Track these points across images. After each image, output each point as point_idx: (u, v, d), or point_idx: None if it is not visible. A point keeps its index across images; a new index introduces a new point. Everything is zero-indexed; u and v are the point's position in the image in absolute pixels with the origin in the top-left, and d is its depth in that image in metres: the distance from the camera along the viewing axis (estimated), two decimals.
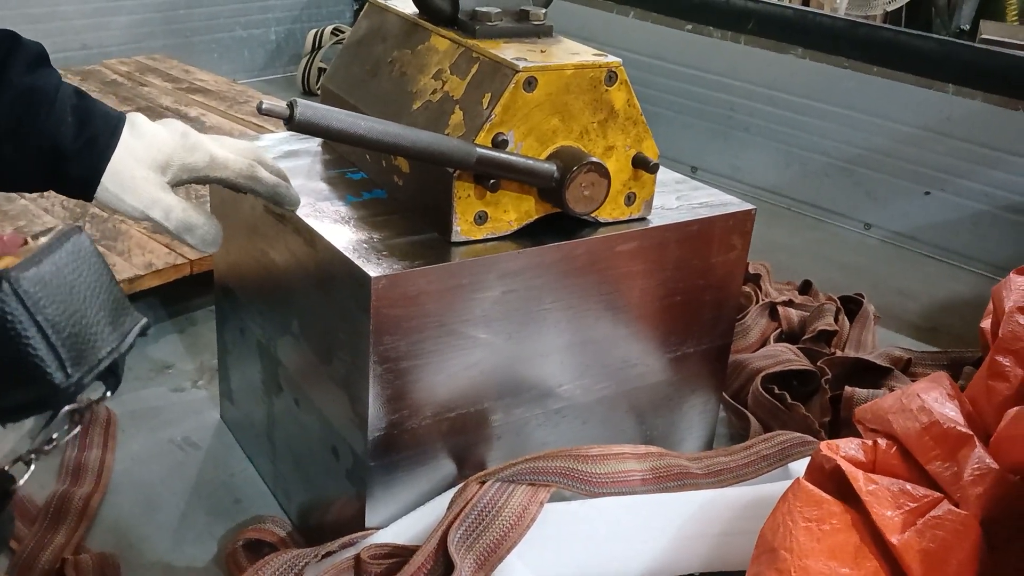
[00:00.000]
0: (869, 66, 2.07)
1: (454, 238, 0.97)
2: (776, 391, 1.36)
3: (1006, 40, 2.88)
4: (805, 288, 1.75)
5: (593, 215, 1.03)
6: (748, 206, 1.14)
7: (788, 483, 0.93)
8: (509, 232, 0.99)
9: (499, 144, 0.95)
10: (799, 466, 1.09)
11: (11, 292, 0.57)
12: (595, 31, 2.48)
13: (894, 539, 0.87)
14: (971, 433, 0.94)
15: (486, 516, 0.97)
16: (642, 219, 1.07)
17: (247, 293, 1.19)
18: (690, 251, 1.10)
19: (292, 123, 0.84)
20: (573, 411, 1.11)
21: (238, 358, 1.25)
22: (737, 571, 0.95)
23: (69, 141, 0.83)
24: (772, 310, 1.62)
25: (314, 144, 1.21)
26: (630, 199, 1.05)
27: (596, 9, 2.49)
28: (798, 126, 2.19)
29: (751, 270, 1.73)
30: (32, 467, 0.67)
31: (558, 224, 1.02)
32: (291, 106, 0.83)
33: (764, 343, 1.56)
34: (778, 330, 1.58)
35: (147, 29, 2.66)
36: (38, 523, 1.10)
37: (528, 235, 1.00)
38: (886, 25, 2.55)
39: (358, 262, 0.92)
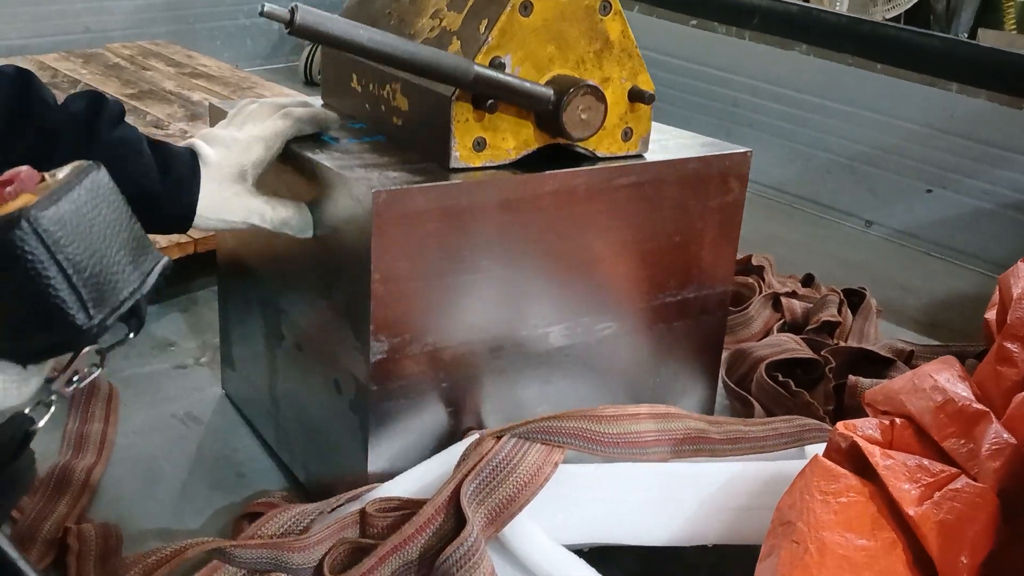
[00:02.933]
0: (873, 63, 2.08)
1: (453, 164, 0.98)
2: (780, 379, 1.36)
3: (1004, 49, 2.89)
4: (808, 281, 1.75)
5: (591, 149, 1.04)
6: (745, 149, 1.16)
7: (806, 461, 0.93)
8: (508, 161, 1.01)
9: (496, 67, 0.96)
10: (814, 450, 1.10)
11: (31, 231, 0.56)
12: None
13: (911, 511, 0.87)
14: (987, 409, 0.94)
15: (500, 471, 0.95)
16: (639, 156, 1.09)
17: (248, 248, 1.20)
18: (688, 190, 1.11)
19: (293, 27, 0.85)
20: (576, 349, 1.11)
21: (240, 318, 1.25)
22: (753, 544, 0.95)
23: (158, 184, 0.92)
24: (775, 301, 1.62)
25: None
26: (627, 134, 1.06)
27: None
28: (801, 122, 2.19)
29: (754, 262, 1.73)
30: (52, 408, 0.66)
31: (557, 160, 1.03)
32: (292, 11, 0.84)
33: (767, 333, 1.56)
34: (781, 320, 1.58)
35: (150, 15, 2.65)
36: (40, 493, 1.09)
37: (527, 167, 1.01)
38: (890, 23, 2.56)
39: (359, 181, 0.93)
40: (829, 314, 1.55)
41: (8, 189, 0.58)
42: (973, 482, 0.89)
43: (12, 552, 0.67)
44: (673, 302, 1.17)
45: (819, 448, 1.08)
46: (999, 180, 1.95)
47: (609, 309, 1.12)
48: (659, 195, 1.09)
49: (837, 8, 4.39)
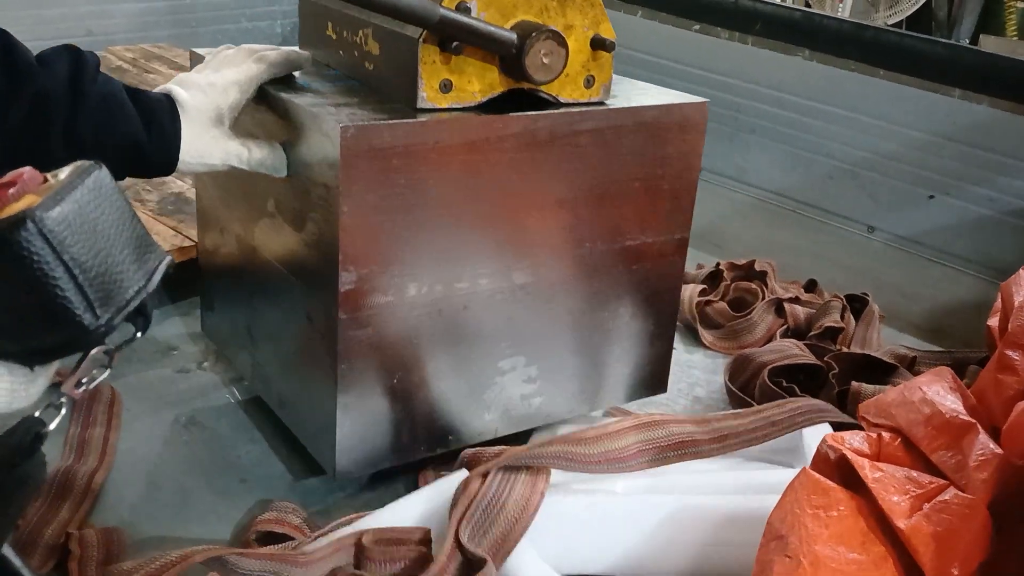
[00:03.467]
0: (875, 69, 2.08)
1: (420, 104, 1.02)
2: (784, 385, 1.36)
3: (1006, 55, 2.89)
4: (811, 287, 1.75)
5: (554, 95, 1.09)
6: (702, 99, 1.21)
7: (774, 498, 0.93)
8: (473, 104, 1.05)
9: (462, 11, 1.00)
10: (810, 436, 1.10)
11: (36, 232, 0.55)
12: None
13: (901, 524, 0.87)
14: (974, 421, 0.94)
15: (492, 510, 0.99)
16: (600, 103, 1.13)
17: (224, 189, 1.25)
18: (647, 138, 1.16)
19: None
20: (538, 289, 1.15)
21: (218, 259, 1.31)
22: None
23: (143, 134, 0.96)
24: (778, 307, 1.62)
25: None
26: (589, 82, 1.11)
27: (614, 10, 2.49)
28: (804, 128, 2.19)
29: (757, 267, 1.73)
30: (63, 411, 0.65)
31: (521, 105, 1.08)
32: None
33: (770, 339, 1.56)
34: (784, 326, 1.58)
35: (152, 18, 2.65)
36: (42, 499, 1.09)
37: (492, 111, 1.06)
38: (893, 29, 2.56)
39: (328, 117, 0.98)
40: (832, 320, 1.55)
41: (11, 191, 0.58)
42: (962, 494, 0.89)
43: (15, 560, 0.66)
44: (632, 246, 1.21)
45: (817, 431, 1.08)
46: (1002, 187, 1.95)
47: (570, 251, 1.16)
48: (619, 141, 1.14)
49: (839, 13, 4.40)
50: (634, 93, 1.20)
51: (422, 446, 1.14)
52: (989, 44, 4.10)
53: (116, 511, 1.11)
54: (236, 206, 1.23)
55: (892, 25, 4.28)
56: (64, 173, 0.60)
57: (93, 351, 0.61)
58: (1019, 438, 0.93)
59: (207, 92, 1.01)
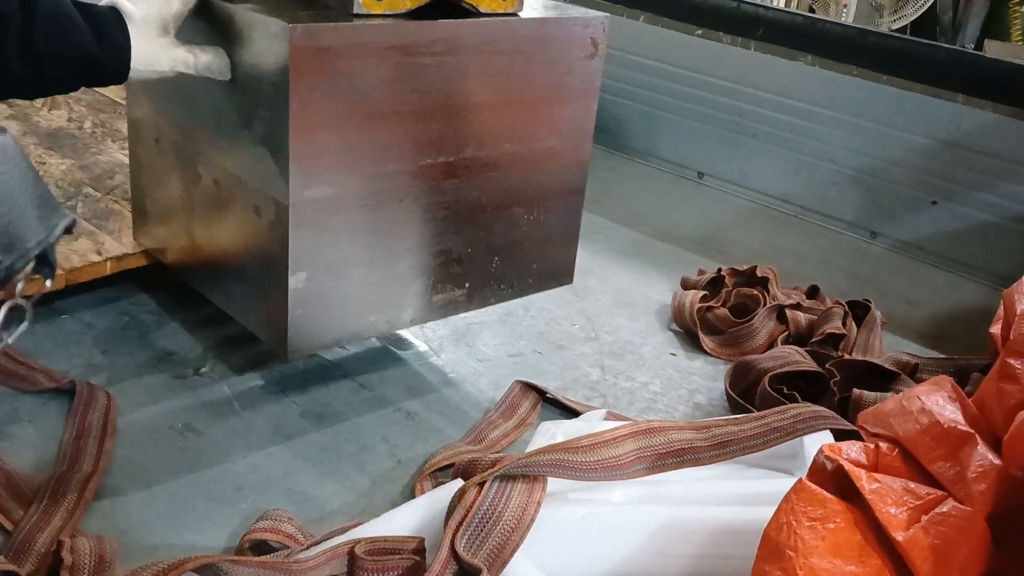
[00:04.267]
0: (879, 75, 2.07)
1: (356, 10, 1.11)
2: (785, 392, 1.35)
3: (1011, 60, 2.88)
4: (812, 293, 1.74)
5: (475, 6, 1.19)
6: (603, 14, 1.33)
7: (770, 509, 0.92)
8: (404, 11, 1.14)
9: None
10: (811, 443, 1.09)
11: None
12: None
13: (899, 536, 0.86)
14: (972, 431, 0.93)
15: (488, 520, 0.98)
16: (514, 14, 1.24)
17: (162, 99, 1.31)
18: (556, 46, 1.28)
19: None
20: (465, 185, 1.27)
21: (153, 169, 1.37)
22: None
23: (96, 47, 1.00)
24: (780, 313, 1.61)
25: None
26: None
27: (604, 12, 2.48)
28: (807, 133, 2.18)
29: (759, 273, 1.72)
30: None
31: (446, 15, 1.18)
32: None
33: (772, 345, 1.55)
34: (786, 332, 1.57)
35: None
36: (34, 504, 1.08)
37: (422, 18, 1.16)
38: (896, 34, 2.55)
39: (275, 21, 1.05)
40: (834, 326, 1.54)
41: None
42: (960, 506, 0.87)
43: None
44: (542, 148, 1.33)
45: (818, 438, 1.07)
46: (1005, 192, 1.94)
47: (489, 150, 1.27)
48: (532, 49, 1.25)
49: (843, 18, 4.39)
50: (541, 5, 1.33)
51: (363, 327, 1.26)
52: (994, 49, 4.08)
53: (110, 518, 1.10)
54: (173, 114, 1.29)
55: (896, 30, 4.27)
56: None
57: (7, 303, 0.70)
58: (1020, 449, 0.92)
59: (150, 3, 1.06)
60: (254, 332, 1.26)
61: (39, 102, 2.02)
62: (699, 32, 2.30)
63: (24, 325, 0.71)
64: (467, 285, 1.33)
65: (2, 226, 0.67)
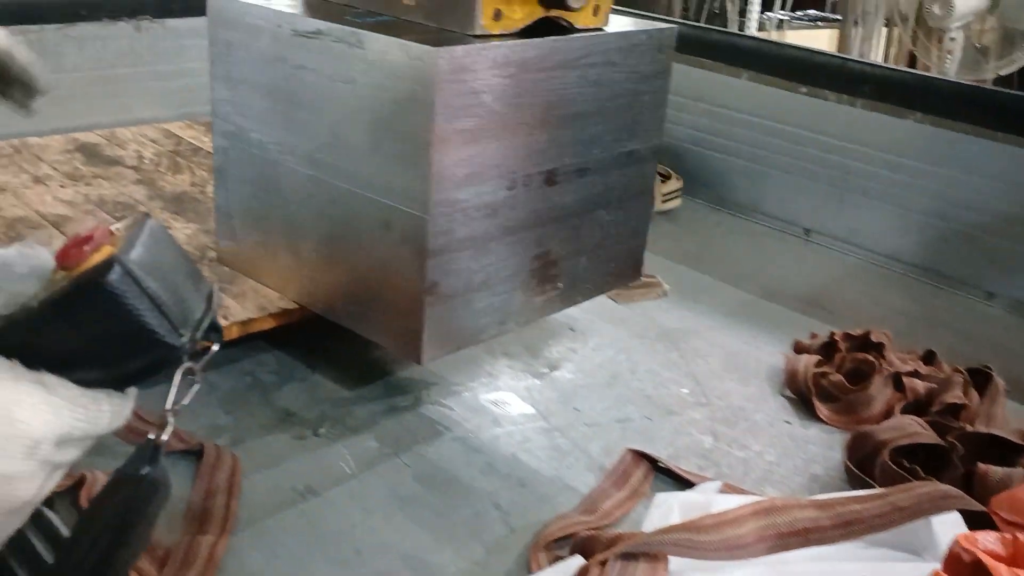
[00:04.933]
0: (992, 132, 2.02)
1: (476, 31, 1.19)
2: (906, 465, 1.32)
3: None
4: (929, 358, 1.70)
5: (571, 22, 1.32)
6: (671, 26, 1.48)
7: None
8: (515, 30, 1.24)
9: None
10: (940, 525, 1.06)
11: (122, 272, 0.68)
12: (705, 91, 2.49)
13: None
14: None
15: None
16: (601, 29, 1.37)
17: (265, 125, 1.40)
18: (636, 57, 1.41)
19: None
20: (569, 183, 1.40)
21: (255, 186, 1.46)
22: None
23: None
24: (897, 380, 1.57)
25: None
26: (596, 11, 1.35)
27: (706, 71, 2.50)
28: (917, 190, 2.14)
29: (873, 338, 1.69)
30: (171, 424, 0.80)
31: (545, 32, 1.28)
32: None
33: (889, 414, 1.51)
34: (903, 401, 1.54)
35: None
36: (168, 567, 1.12)
37: (527, 36, 1.26)
38: (1010, 90, 2.50)
39: (416, 44, 1.14)
40: (954, 396, 1.50)
41: (86, 247, 0.71)
42: None
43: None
44: (623, 152, 1.47)
45: (945, 519, 1.04)
46: None
47: (584, 155, 1.41)
48: (619, 61, 1.39)
49: (947, 64, 4.31)
50: (615, 20, 1.43)
51: (480, 330, 1.38)
52: None
53: None
54: (284, 127, 1.37)
55: (1004, 76, 4.17)
56: (123, 225, 0.75)
57: (182, 368, 0.75)
58: None
59: None
60: (384, 344, 1.39)
61: (164, 167, 2.12)
62: (804, 90, 2.29)
63: (196, 387, 0.78)
64: (560, 285, 1.47)
65: (172, 304, 0.72)
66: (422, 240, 1.22)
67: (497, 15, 1.21)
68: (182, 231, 1.80)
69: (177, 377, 0.76)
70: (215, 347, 0.79)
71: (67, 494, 1.19)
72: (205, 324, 0.76)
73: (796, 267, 2.21)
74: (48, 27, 2.29)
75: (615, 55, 1.37)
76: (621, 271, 1.59)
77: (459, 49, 1.15)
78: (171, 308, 0.72)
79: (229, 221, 1.55)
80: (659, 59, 1.45)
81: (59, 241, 1.71)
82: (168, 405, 0.79)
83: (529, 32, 1.27)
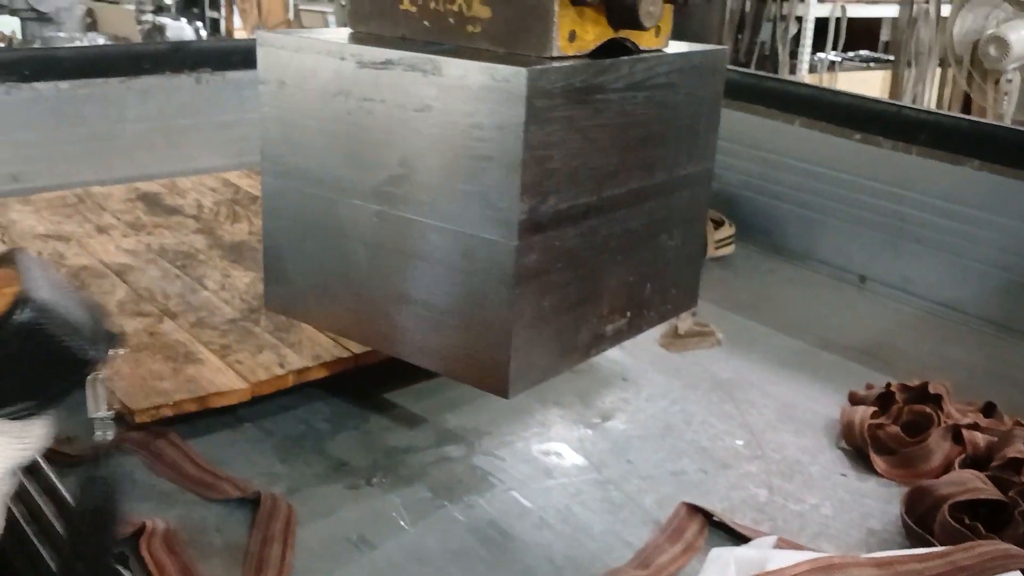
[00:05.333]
0: None
1: (553, 52, 1.18)
2: (966, 522, 1.29)
3: None
4: (989, 410, 1.67)
5: (635, 43, 1.31)
6: (723, 47, 1.52)
7: None
8: (587, 51, 1.23)
9: None
10: None
11: (39, 306, 0.76)
12: (758, 137, 2.48)
13: None
14: None
15: None
16: (660, 50, 1.36)
17: (324, 163, 1.36)
18: (694, 79, 1.42)
19: None
20: (635, 207, 1.38)
21: (304, 234, 1.42)
22: None
23: None
24: (956, 433, 1.54)
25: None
26: (658, 32, 1.35)
27: (760, 117, 2.50)
28: (974, 239, 2.12)
29: (931, 390, 1.66)
30: (108, 424, 0.90)
31: (611, 53, 1.27)
32: None
33: (948, 468, 1.49)
34: (963, 455, 1.51)
35: None
36: None
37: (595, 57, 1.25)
38: None
39: (502, 66, 1.13)
40: (1016, 450, 1.47)
41: None
42: None
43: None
44: (681, 175, 1.46)
45: None
46: None
47: (648, 180, 1.39)
48: (679, 82, 1.39)
49: (1004, 107, 4.25)
50: (671, 44, 1.41)
51: (559, 361, 1.35)
52: None
53: None
54: (347, 164, 1.33)
55: None
56: (8, 261, 0.83)
57: (94, 377, 0.83)
58: None
59: None
60: (465, 380, 1.32)
61: (223, 216, 2.17)
62: (858, 137, 2.28)
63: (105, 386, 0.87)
64: (628, 314, 1.44)
65: (82, 321, 0.81)
66: (508, 268, 1.19)
67: (572, 36, 1.20)
68: (241, 279, 1.83)
69: (94, 387, 0.85)
70: (121, 351, 0.87)
71: (127, 542, 1.21)
72: (105, 333, 0.84)
73: (851, 316, 2.18)
74: (112, 80, 2.37)
75: (676, 76, 1.38)
76: (681, 298, 1.56)
77: (546, 69, 1.14)
78: (82, 327, 0.80)
79: (280, 266, 1.49)
80: (713, 81, 1.47)
81: (122, 290, 1.74)
82: (94, 413, 0.87)
83: (597, 54, 1.25)
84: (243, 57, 2.56)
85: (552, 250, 1.25)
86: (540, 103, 1.14)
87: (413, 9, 1.31)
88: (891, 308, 2.22)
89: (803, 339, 2.02)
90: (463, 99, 1.18)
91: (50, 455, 1.31)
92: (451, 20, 1.26)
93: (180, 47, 2.72)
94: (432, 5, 1.28)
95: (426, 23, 1.29)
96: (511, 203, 1.16)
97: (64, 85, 2.30)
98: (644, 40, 1.33)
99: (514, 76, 1.12)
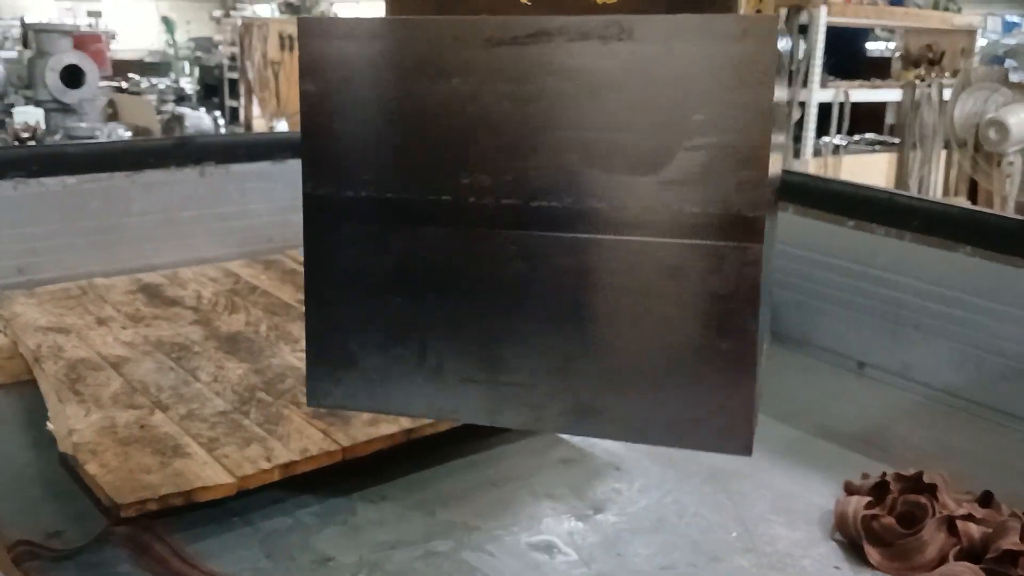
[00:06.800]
0: None
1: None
2: None
3: None
4: (986, 500, 1.64)
5: None
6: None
7: None
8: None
9: None
10: None
11: None
12: None
13: None
14: None
15: None
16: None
17: (420, 176, 1.04)
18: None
19: None
20: None
21: (377, 287, 1.07)
22: None
23: None
24: (950, 525, 1.52)
25: None
26: None
27: None
28: (972, 325, 2.11)
29: (926, 479, 1.64)
30: None
31: None
32: None
33: (943, 561, 1.46)
34: (957, 547, 1.48)
35: None
36: None
37: None
38: None
39: (718, 21, 0.91)
40: (1011, 542, 1.44)
41: None
42: None
43: None
44: None
45: None
46: None
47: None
48: None
49: (1008, 188, 4.28)
50: None
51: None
52: None
53: None
54: (461, 171, 1.02)
55: None
56: None
57: None
58: None
59: None
60: (672, 442, 1.04)
61: (221, 306, 2.19)
62: (851, 224, 2.29)
63: None
64: None
65: None
66: (752, 278, 0.93)
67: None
68: (234, 371, 1.84)
69: None
70: None
71: None
72: None
73: (850, 403, 2.17)
74: (118, 174, 2.42)
75: None
76: None
77: (764, 18, 0.93)
78: None
79: (341, 346, 1.11)
80: None
81: (116, 383, 1.76)
82: None
83: None
84: (247, 150, 2.62)
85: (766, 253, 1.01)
86: (763, 54, 0.91)
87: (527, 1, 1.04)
88: (890, 394, 2.20)
89: (800, 427, 2.01)
90: (677, 66, 0.93)
91: (38, 550, 1.32)
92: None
93: (185, 141, 2.79)
94: None
95: (526, 2, 1.04)
96: (756, 184, 0.92)
97: (71, 180, 2.35)
98: None
99: (761, 21, 0.91)
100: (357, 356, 1.11)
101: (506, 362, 1.05)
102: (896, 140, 5.98)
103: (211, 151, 2.58)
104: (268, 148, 2.66)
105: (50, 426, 1.63)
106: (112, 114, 8.75)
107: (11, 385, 1.93)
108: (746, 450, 0.98)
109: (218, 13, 15.22)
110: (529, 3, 1.04)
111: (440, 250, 1.05)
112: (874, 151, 5.99)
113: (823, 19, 5.28)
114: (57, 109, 7.30)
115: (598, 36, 0.95)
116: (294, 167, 2.31)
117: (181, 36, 12.81)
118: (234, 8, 15.46)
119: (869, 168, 5.68)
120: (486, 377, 1.05)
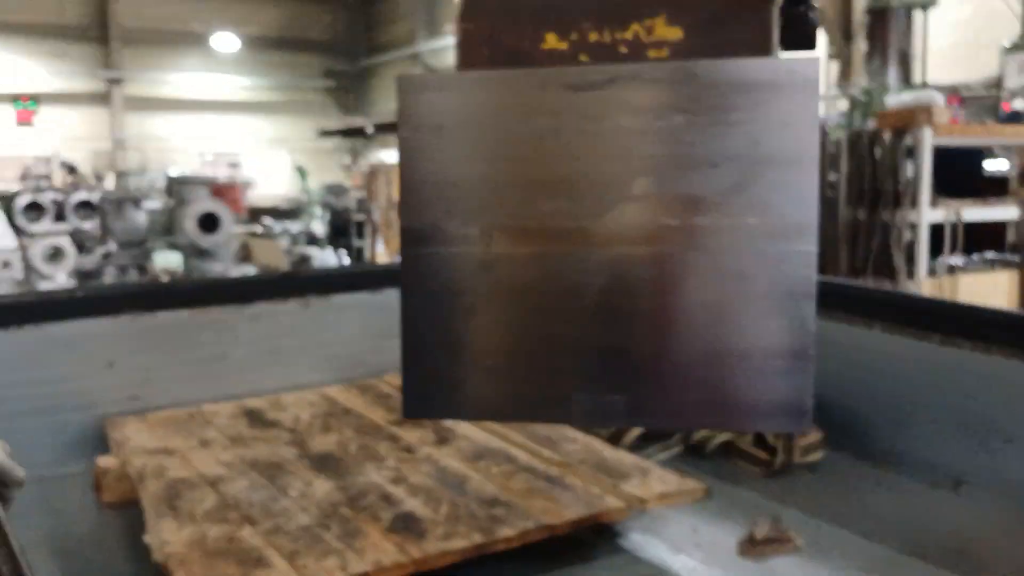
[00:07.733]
0: None
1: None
2: None
3: None
4: None
5: None
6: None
7: None
8: None
9: None
10: None
11: None
12: (842, 341, 2.48)
13: None
14: None
15: None
16: None
17: (519, 203, 1.14)
18: None
19: None
20: None
21: (485, 287, 1.16)
22: None
23: None
24: None
25: None
26: None
27: (838, 323, 2.51)
28: None
29: None
30: None
31: None
32: None
33: None
34: None
35: None
36: None
37: None
38: None
39: (787, 59, 1.05)
40: None
41: None
42: None
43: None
44: None
45: None
46: None
47: None
48: None
49: None
50: None
51: None
52: None
53: None
54: (549, 203, 1.13)
55: None
56: None
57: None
58: None
59: None
60: (757, 430, 1.22)
61: (316, 427, 2.30)
62: (937, 339, 2.26)
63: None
64: None
65: None
66: (809, 278, 1.07)
67: None
68: (321, 487, 1.93)
69: None
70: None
71: None
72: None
73: (942, 519, 2.09)
74: (227, 307, 2.60)
75: None
76: None
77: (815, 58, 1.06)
78: None
79: (432, 358, 1.21)
80: None
81: (211, 499, 1.86)
82: None
83: None
84: (346, 282, 2.79)
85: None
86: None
87: (563, 46, 1.15)
88: (986, 511, 2.12)
89: (889, 545, 1.95)
90: (734, 100, 1.06)
91: None
92: (623, 49, 1.14)
93: (291, 275, 2.97)
94: (594, 38, 1.13)
95: (583, 58, 1.15)
96: (810, 202, 1.06)
97: (184, 314, 2.54)
98: None
99: (803, 65, 1.04)
100: (449, 370, 1.22)
101: (604, 369, 1.15)
102: (1016, 258, 5.81)
103: (314, 284, 2.75)
104: (367, 279, 2.82)
105: (147, 539, 1.74)
106: (245, 256, 9.30)
107: (119, 504, 2.07)
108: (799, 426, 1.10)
109: (347, 161, 16.11)
110: (587, 60, 1.15)
111: (529, 269, 1.15)
112: (992, 269, 5.83)
113: (928, 140, 5.27)
114: (194, 253, 7.81)
115: (664, 80, 1.09)
116: (391, 296, 2.45)
117: (314, 183, 13.57)
118: (362, 155, 16.35)
119: (988, 287, 5.52)
120: (585, 385, 1.16)
